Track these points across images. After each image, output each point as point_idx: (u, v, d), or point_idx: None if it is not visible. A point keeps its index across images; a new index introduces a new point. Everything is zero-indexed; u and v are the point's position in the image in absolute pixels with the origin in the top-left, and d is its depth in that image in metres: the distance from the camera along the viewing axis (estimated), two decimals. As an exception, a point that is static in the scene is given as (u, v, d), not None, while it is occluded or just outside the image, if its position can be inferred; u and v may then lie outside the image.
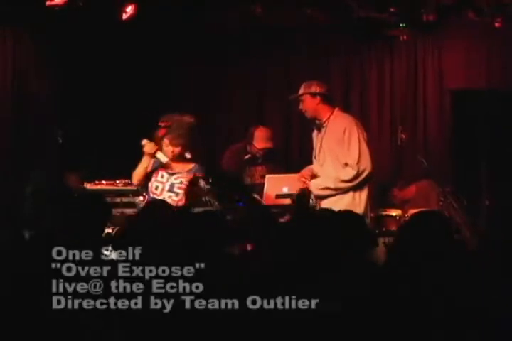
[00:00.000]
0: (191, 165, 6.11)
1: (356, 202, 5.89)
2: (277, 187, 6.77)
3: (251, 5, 7.84)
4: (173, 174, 6.06)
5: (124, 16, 7.76)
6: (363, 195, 5.97)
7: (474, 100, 8.60)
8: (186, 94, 8.91)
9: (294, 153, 8.93)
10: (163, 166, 6.08)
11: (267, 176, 6.85)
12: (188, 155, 6.07)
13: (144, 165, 6.05)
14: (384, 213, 6.97)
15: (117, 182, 7.04)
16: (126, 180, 6.97)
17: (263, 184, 6.89)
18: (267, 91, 9.10)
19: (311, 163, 6.35)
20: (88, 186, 7.04)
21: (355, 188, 5.94)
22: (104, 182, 7.20)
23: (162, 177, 6.07)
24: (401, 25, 8.27)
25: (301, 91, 6.18)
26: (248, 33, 8.61)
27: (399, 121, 8.64)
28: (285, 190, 6.81)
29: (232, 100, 9.07)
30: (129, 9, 7.74)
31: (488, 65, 8.57)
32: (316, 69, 8.92)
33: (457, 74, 8.71)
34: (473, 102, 8.60)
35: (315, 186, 6.07)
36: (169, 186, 6.03)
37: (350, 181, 5.91)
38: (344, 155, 5.93)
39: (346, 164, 5.94)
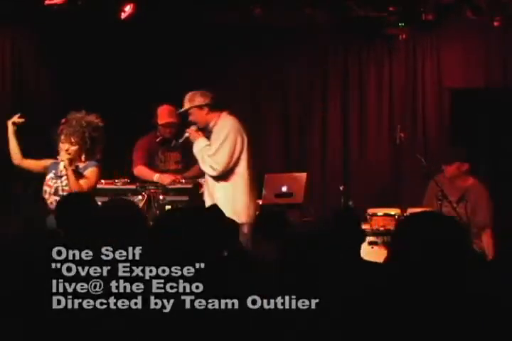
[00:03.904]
0: (84, 164, 5.93)
1: (229, 196, 6.11)
2: (276, 186, 6.79)
3: (251, 5, 7.85)
4: (60, 177, 5.89)
5: (123, 15, 7.78)
6: (237, 190, 6.15)
7: (473, 99, 8.61)
8: (185, 94, 8.88)
9: (293, 152, 8.93)
10: (55, 169, 5.93)
11: (267, 175, 6.86)
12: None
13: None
14: (382, 212, 6.96)
15: (116, 181, 6.99)
16: (126, 179, 6.96)
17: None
18: (266, 91, 9.09)
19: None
20: None
21: (226, 179, 6.17)
22: (103, 181, 7.16)
23: (52, 179, 5.90)
24: (400, 24, 8.28)
25: (187, 106, 6.34)
26: (248, 33, 8.61)
27: (397, 120, 8.65)
28: (284, 189, 6.83)
29: (231, 100, 9.05)
30: (128, 8, 7.76)
31: (487, 63, 8.58)
32: (315, 69, 8.94)
33: (456, 73, 8.72)
34: (471, 101, 8.61)
35: (195, 146, 6.30)
36: (55, 189, 5.85)
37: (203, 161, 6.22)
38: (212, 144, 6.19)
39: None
